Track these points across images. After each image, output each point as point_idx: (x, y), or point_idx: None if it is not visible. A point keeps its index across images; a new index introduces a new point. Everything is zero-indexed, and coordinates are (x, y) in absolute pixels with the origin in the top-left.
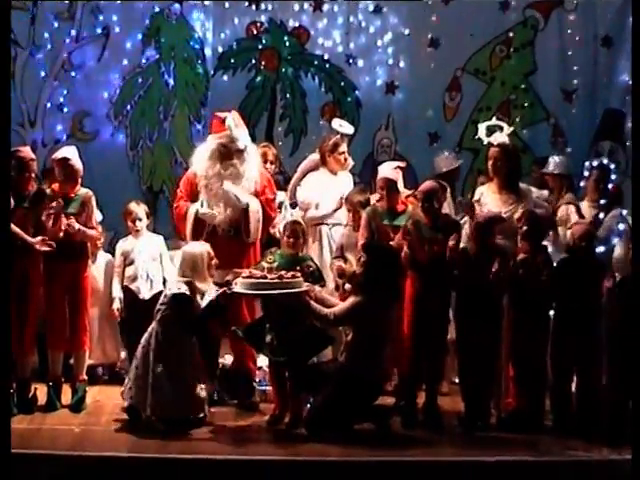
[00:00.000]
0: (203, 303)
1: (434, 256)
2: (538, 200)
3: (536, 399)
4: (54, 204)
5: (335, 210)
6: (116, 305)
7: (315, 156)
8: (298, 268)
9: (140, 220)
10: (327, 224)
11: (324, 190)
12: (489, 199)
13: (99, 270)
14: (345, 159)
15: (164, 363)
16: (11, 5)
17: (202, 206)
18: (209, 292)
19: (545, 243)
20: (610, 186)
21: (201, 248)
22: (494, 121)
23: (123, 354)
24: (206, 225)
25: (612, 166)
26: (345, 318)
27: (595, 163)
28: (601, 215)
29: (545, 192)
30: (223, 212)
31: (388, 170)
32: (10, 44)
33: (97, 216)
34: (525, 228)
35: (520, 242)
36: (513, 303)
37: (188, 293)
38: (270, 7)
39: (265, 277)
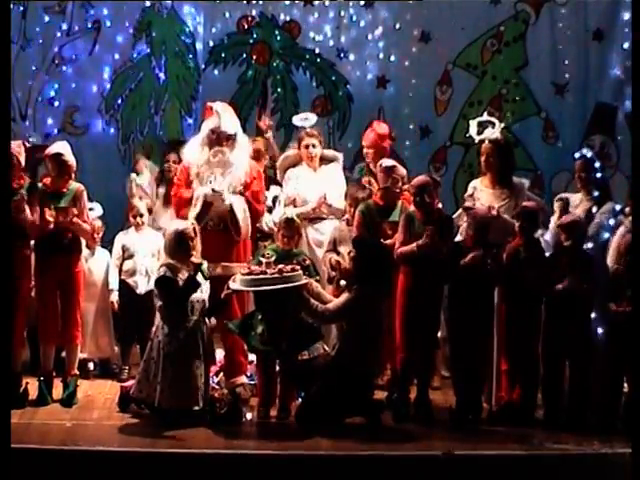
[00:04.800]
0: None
1: (426, 250)
2: (531, 194)
3: (527, 392)
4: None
5: (314, 209)
6: (114, 298)
7: (290, 152)
8: (295, 262)
9: (142, 215)
10: (307, 219)
11: (304, 185)
12: (482, 194)
13: (97, 265)
14: (310, 154)
15: (170, 355)
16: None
17: (211, 183)
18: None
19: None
20: (596, 177)
21: (175, 226)
22: (485, 117)
23: (116, 349)
24: (210, 209)
25: (589, 155)
26: (339, 315)
27: (577, 155)
28: (594, 209)
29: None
30: (222, 204)
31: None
32: (9, 41)
33: (97, 210)
34: (520, 223)
35: (514, 236)
36: (505, 296)
37: (168, 274)
38: (261, 1)
39: (265, 272)
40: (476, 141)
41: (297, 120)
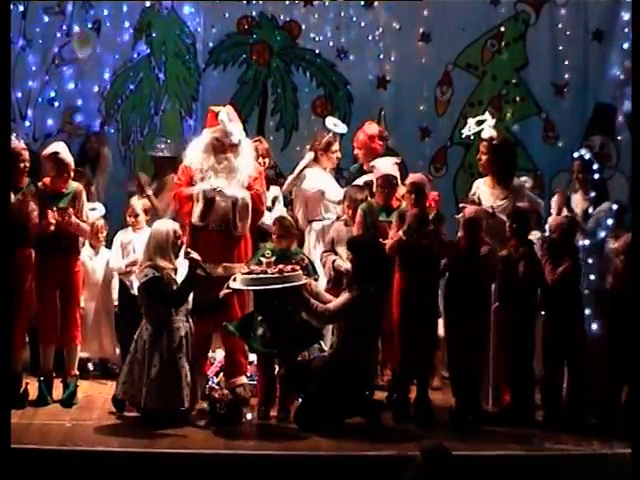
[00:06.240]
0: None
1: (420, 248)
2: (532, 195)
3: (525, 393)
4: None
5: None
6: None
7: (310, 155)
8: (294, 261)
9: (137, 215)
10: (328, 219)
11: (325, 185)
12: (483, 193)
13: (100, 264)
14: (337, 158)
15: (155, 355)
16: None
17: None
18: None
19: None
20: (594, 178)
21: (167, 226)
22: (478, 117)
23: (117, 350)
24: (212, 206)
25: (587, 156)
26: (340, 315)
27: (575, 155)
28: (590, 209)
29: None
30: (221, 202)
31: (389, 167)
32: (9, 41)
33: (100, 210)
34: (511, 224)
35: (508, 237)
36: (500, 297)
37: (156, 274)
38: (261, 1)
39: (265, 272)
40: (463, 137)
41: (330, 123)
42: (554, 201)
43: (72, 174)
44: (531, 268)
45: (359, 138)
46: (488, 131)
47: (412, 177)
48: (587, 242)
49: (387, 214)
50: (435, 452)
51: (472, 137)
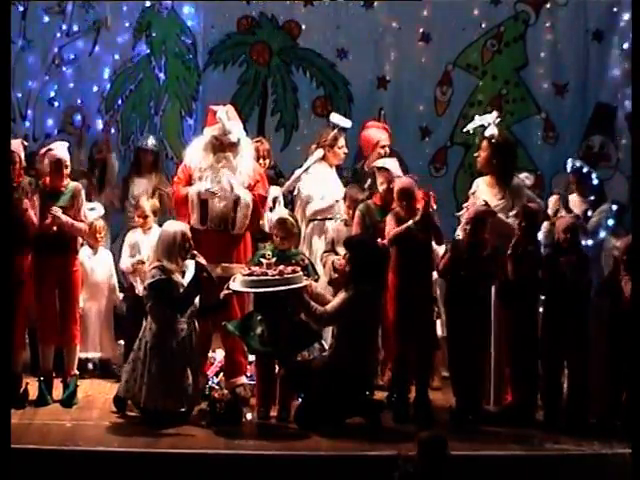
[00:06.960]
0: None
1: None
2: (531, 194)
3: (527, 393)
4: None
5: (337, 201)
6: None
7: (321, 152)
8: (294, 262)
9: (146, 217)
10: (331, 218)
11: (326, 183)
12: (482, 192)
13: (99, 264)
14: (344, 153)
15: (157, 355)
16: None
17: (205, 181)
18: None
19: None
20: (594, 183)
21: (175, 228)
22: (486, 115)
23: (117, 349)
24: (208, 208)
25: (585, 169)
26: (338, 316)
27: (569, 165)
28: (589, 212)
29: None
30: (217, 203)
31: (399, 168)
32: (9, 41)
33: (99, 210)
34: (520, 223)
35: (517, 236)
36: (502, 297)
37: (163, 277)
38: (261, 1)
39: (266, 274)
40: (463, 131)
41: (335, 118)
42: (551, 201)
43: (70, 173)
44: (537, 267)
45: (387, 136)
46: (490, 129)
47: (400, 183)
48: (589, 243)
49: (386, 215)
50: (432, 442)
51: (471, 131)
